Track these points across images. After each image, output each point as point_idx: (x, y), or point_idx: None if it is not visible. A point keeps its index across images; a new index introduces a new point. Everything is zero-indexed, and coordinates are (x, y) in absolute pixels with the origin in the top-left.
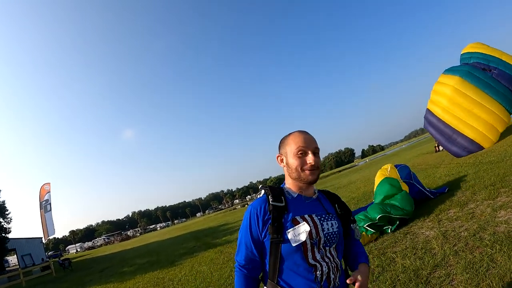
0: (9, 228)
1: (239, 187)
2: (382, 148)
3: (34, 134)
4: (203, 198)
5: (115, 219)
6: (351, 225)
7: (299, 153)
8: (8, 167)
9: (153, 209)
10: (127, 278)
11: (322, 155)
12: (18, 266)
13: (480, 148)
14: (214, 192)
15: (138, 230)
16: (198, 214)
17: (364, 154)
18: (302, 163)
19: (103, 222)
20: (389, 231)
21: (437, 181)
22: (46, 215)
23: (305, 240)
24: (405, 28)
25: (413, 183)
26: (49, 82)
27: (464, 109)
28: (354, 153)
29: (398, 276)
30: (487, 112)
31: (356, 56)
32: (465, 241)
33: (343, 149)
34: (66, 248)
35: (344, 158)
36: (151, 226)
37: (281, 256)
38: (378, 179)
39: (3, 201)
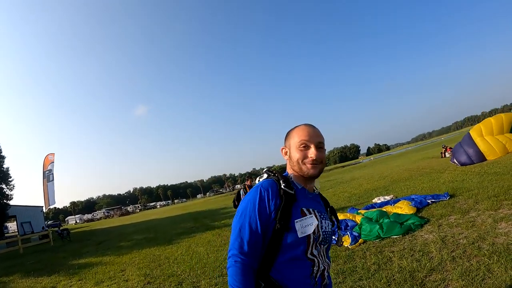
0: (11, 194)
1: (242, 172)
2: (387, 147)
3: (43, 104)
4: (205, 180)
5: (116, 194)
6: (336, 231)
7: (301, 146)
8: (14, 135)
9: (154, 186)
10: (124, 252)
11: (327, 148)
12: (17, 233)
13: (484, 159)
14: (216, 175)
15: (138, 207)
16: (199, 196)
17: (369, 152)
18: (304, 156)
19: (104, 195)
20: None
21: (441, 186)
22: (48, 184)
23: (311, 233)
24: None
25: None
26: (62, 53)
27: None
28: (360, 149)
29: (393, 276)
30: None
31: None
32: (464, 248)
33: (348, 144)
34: (66, 219)
35: (349, 153)
36: (151, 204)
37: (282, 246)
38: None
39: (7, 168)
